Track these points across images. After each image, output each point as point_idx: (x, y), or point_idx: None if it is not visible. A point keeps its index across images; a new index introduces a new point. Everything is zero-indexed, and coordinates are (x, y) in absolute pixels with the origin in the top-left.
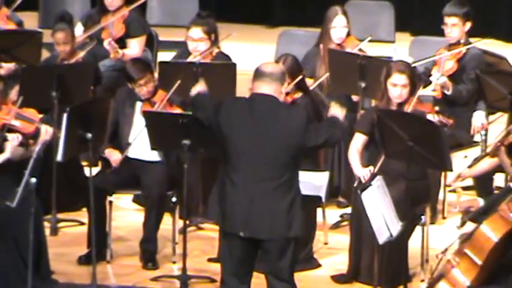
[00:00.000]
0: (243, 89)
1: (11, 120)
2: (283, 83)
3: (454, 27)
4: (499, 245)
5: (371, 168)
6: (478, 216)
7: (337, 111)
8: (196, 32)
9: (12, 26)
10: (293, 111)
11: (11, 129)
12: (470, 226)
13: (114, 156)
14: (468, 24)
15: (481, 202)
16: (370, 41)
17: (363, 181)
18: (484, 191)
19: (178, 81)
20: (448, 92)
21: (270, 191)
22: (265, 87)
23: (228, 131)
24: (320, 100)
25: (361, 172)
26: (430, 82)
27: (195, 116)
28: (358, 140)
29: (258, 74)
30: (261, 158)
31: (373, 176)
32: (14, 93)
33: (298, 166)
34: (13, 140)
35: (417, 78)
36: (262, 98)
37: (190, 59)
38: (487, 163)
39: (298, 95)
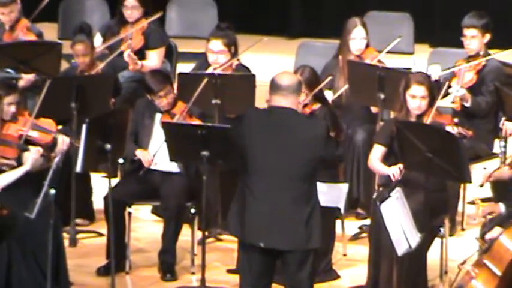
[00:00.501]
0: (262, 101)
1: (28, 131)
2: (300, 94)
3: (473, 39)
4: None
5: (400, 166)
6: (504, 221)
7: None
8: (216, 44)
9: (32, 37)
10: (313, 122)
11: (29, 141)
12: (498, 231)
13: (146, 156)
14: (487, 36)
15: (502, 208)
16: (389, 52)
17: (393, 179)
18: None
19: (201, 86)
20: (467, 104)
21: (289, 202)
22: (283, 101)
23: (248, 143)
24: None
25: (391, 170)
26: (449, 93)
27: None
28: (378, 151)
29: (275, 87)
30: (280, 169)
31: (392, 188)
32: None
33: (316, 177)
34: (34, 153)
35: (436, 89)
36: (280, 111)
37: (209, 70)
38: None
39: (317, 106)
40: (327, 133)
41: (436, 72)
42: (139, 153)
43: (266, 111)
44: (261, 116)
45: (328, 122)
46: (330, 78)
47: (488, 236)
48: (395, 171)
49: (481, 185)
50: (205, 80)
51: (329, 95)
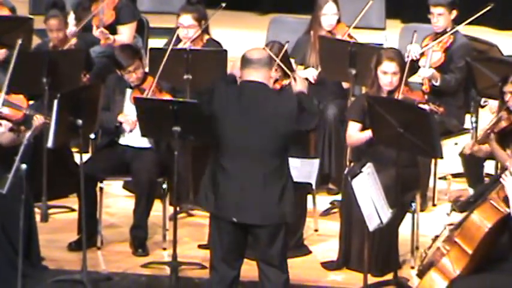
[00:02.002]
0: None
1: None
2: (271, 68)
3: (440, 16)
4: (490, 234)
5: None
6: (467, 206)
7: (301, 85)
8: (186, 19)
9: (5, 12)
10: (284, 98)
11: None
12: (457, 217)
13: (129, 119)
14: (454, 13)
15: (471, 192)
16: (360, 28)
17: None
18: (474, 178)
19: (164, 59)
20: (436, 83)
21: (261, 178)
22: (254, 74)
23: (220, 118)
24: None
25: None
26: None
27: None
28: (354, 128)
29: (246, 62)
30: (252, 145)
31: (363, 163)
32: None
33: (288, 152)
34: (2, 128)
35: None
36: (252, 86)
37: (180, 45)
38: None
39: (287, 81)
40: (299, 107)
41: (416, 51)
42: (122, 118)
43: (237, 87)
44: (232, 92)
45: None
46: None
47: (448, 220)
48: None
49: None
50: (167, 54)
51: (312, 72)
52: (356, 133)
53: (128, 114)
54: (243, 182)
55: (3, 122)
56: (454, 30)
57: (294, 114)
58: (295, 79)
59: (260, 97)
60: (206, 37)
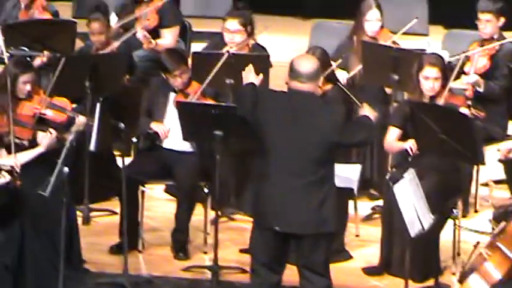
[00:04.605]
0: (277, 80)
1: (42, 109)
2: (320, 79)
3: (488, 23)
4: None
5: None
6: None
7: (369, 112)
8: (233, 24)
9: (47, 16)
10: (331, 107)
11: (43, 119)
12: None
13: (161, 128)
14: (502, 20)
15: None
16: (403, 33)
17: (411, 153)
18: None
19: (217, 68)
20: (480, 89)
21: (304, 186)
22: (301, 86)
23: (265, 125)
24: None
25: (407, 144)
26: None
27: (236, 112)
28: (393, 134)
29: (294, 73)
30: (296, 153)
31: (405, 169)
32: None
33: (333, 162)
34: (49, 136)
35: (449, 70)
36: (300, 94)
37: (226, 49)
38: None
39: (328, 86)
40: (345, 119)
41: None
42: (154, 126)
43: (285, 94)
44: (279, 98)
45: (340, 102)
46: (340, 61)
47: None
48: (411, 143)
49: (500, 161)
50: (222, 60)
51: (343, 75)
52: (393, 141)
53: (162, 124)
54: (285, 189)
55: (51, 130)
56: (504, 41)
57: (340, 124)
58: (363, 106)
59: (307, 106)
60: (252, 42)
